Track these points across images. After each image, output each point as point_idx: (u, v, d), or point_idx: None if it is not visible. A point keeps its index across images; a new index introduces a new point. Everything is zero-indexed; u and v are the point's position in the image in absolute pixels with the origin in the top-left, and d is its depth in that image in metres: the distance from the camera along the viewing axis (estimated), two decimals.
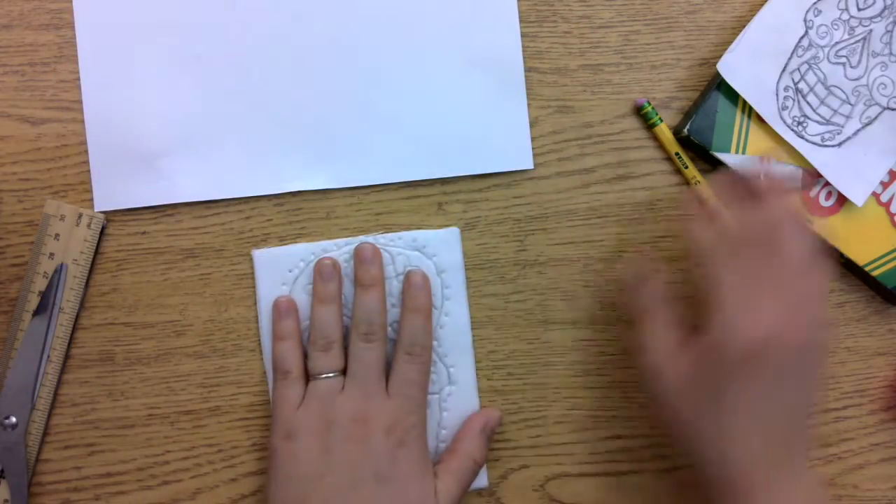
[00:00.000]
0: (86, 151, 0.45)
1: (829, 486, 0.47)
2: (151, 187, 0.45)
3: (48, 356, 0.43)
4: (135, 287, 0.45)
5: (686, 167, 0.46)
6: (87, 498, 0.45)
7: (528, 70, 0.47)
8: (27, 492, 0.43)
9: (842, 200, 0.45)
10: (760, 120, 0.45)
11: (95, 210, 0.45)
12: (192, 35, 0.45)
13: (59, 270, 0.44)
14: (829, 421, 0.48)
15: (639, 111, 0.47)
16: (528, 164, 0.47)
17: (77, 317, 0.44)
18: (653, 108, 0.47)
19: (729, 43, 0.48)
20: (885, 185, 0.45)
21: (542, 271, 0.47)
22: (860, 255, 0.46)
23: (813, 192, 0.45)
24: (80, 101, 0.45)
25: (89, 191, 0.45)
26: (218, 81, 0.45)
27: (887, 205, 0.46)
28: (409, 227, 0.46)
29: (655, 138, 0.47)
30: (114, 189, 0.45)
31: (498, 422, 0.45)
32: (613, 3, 0.47)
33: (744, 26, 0.48)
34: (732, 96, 0.45)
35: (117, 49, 0.45)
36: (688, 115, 0.46)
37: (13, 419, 0.43)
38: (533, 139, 0.47)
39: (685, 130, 0.45)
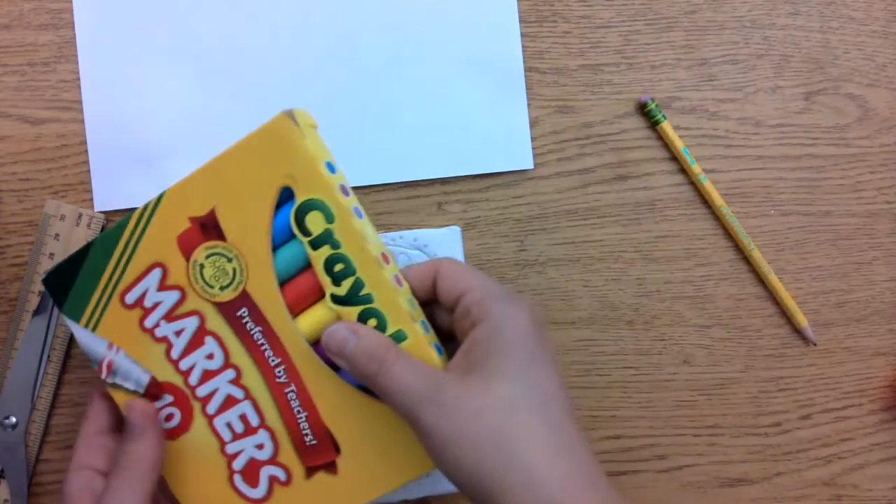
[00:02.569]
0: (86, 151, 0.45)
1: (828, 486, 0.47)
2: (151, 187, 0.45)
3: (48, 356, 0.43)
4: None
5: (693, 164, 0.46)
6: None
7: (528, 70, 0.47)
8: (27, 492, 0.43)
9: (185, 425, 0.37)
10: (124, 306, 0.36)
11: (95, 210, 0.45)
12: (192, 35, 0.45)
13: None
14: (829, 421, 0.48)
15: (642, 109, 0.47)
16: (528, 164, 0.47)
17: None
18: (656, 106, 0.47)
19: (729, 43, 0.48)
20: (236, 436, 0.36)
21: (542, 271, 0.47)
22: (185, 496, 0.37)
23: (158, 404, 0.36)
24: (80, 101, 0.45)
25: (89, 191, 0.45)
26: (218, 81, 0.45)
27: (232, 457, 0.36)
28: (409, 227, 0.46)
29: (658, 137, 0.47)
30: (114, 189, 0.45)
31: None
32: (613, 3, 0.47)
33: (744, 26, 0.48)
34: (103, 260, 0.36)
35: (117, 49, 0.45)
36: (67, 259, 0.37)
37: (13, 419, 0.43)
38: (533, 139, 0.47)
39: (45, 273, 0.37)
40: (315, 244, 0.34)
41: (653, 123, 0.47)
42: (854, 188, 0.49)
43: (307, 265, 0.35)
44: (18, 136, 0.45)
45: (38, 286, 0.43)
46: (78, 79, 0.45)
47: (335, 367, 0.35)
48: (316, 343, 0.35)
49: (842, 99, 0.49)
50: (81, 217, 0.44)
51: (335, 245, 0.34)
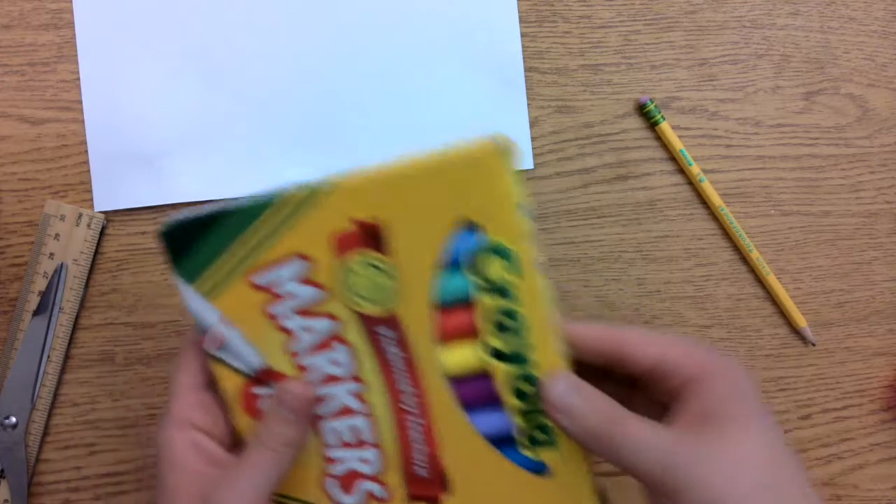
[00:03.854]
0: (86, 151, 0.45)
1: (828, 486, 0.47)
2: (151, 187, 0.45)
3: (48, 356, 0.43)
4: (135, 287, 0.45)
5: (691, 164, 0.46)
6: (87, 498, 0.44)
7: (528, 70, 0.47)
8: (27, 492, 0.43)
9: None
10: (251, 285, 0.33)
11: (95, 210, 0.45)
12: (193, 35, 0.45)
13: (59, 270, 0.44)
14: (829, 421, 0.48)
15: (641, 109, 0.47)
16: (528, 164, 0.47)
17: (77, 317, 0.44)
18: (655, 107, 0.47)
19: (729, 43, 0.48)
20: (343, 444, 0.34)
21: (542, 271, 0.47)
22: None
23: (265, 391, 0.33)
24: (80, 101, 0.45)
25: (89, 191, 0.45)
26: (218, 81, 0.45)
27: (330, 461, 0.34)
28: None
29: (657, 137, 0.47)
30: (114, 189, 0.45)
31: None
32: (613, 3, 0.47)
33: (744, 26, 0.48)
34: (236, 229, 0.32)
35: (117, 49, 0.45)
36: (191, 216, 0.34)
37: (13, 419, 0.43)
38: (533, 139, 0.47)
39: (164, 224, 0.33)
40: (490, 290, 0.31)
41: (652, 124, 0.47)
42: (854, 188, 0.49)
43: (466, 301, 0.31)
44: (18, 136, 0.45)
45: (39, 286, 0.44)
46: (78, 79, 0.45)
47: (466, 410, 0.33)
48: (452, 379, 0.33)
49: (842, 99, 0.49)
50: (81, 217, 0.44)
51: (512, 299, 0.31)
